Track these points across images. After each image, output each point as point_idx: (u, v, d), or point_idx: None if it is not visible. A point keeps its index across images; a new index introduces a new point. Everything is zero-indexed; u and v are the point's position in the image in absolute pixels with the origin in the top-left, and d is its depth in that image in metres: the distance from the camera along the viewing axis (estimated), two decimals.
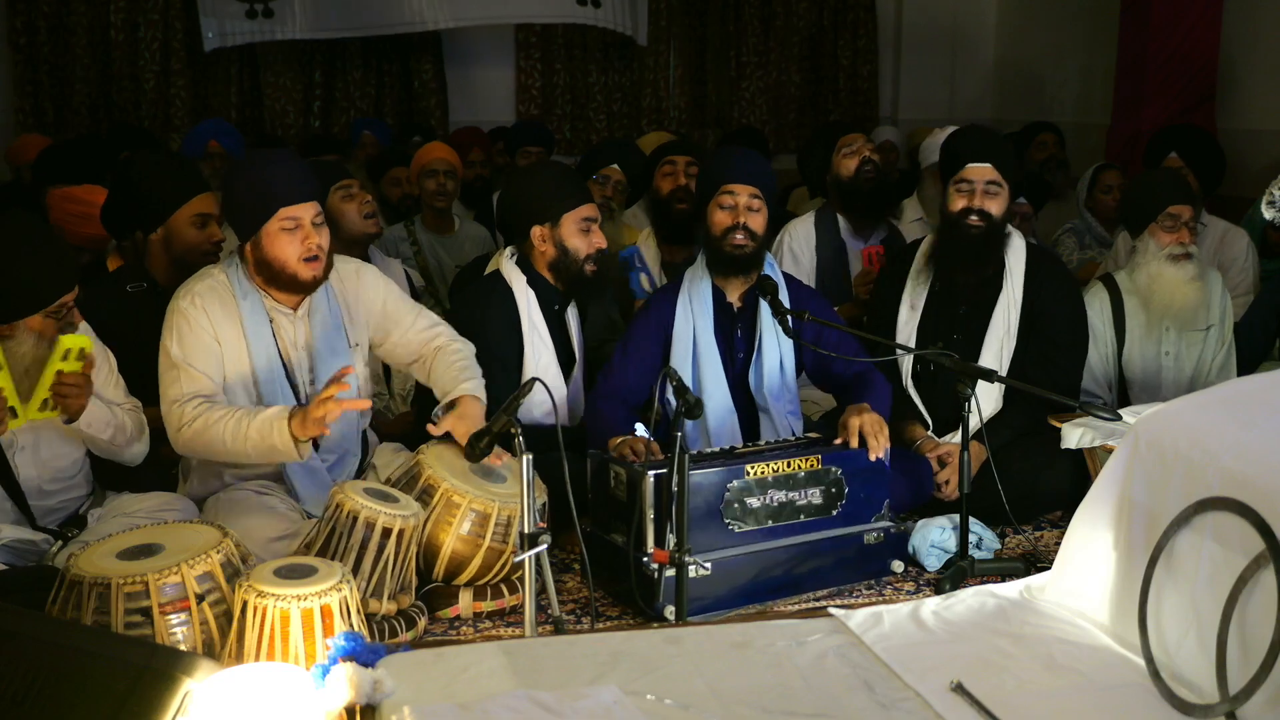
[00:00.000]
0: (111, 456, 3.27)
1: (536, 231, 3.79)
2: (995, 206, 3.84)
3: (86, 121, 7.89)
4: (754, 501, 3.20)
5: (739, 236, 3.63)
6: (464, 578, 3.15)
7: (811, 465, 3.28)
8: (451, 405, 3.29)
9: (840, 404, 3.84)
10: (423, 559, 3.12)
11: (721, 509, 3.16)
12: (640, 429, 3.34)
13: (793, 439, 3.50)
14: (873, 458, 3.33)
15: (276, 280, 3.25)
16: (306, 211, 3.22)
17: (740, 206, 3.65)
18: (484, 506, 3.10)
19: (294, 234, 3.20)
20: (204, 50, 7.73)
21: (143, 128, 7.62)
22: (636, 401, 3.67)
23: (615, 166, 5.33)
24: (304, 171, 3.30)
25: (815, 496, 3.29)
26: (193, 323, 3.20)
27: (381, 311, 3.48)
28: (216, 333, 3.21)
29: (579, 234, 3.79)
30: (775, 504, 3.24)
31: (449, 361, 3.43)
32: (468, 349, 3.51)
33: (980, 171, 3.84)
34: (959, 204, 3.86)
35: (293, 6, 7.68)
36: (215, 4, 7.61)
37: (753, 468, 3.20)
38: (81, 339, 3.01)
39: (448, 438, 3.25)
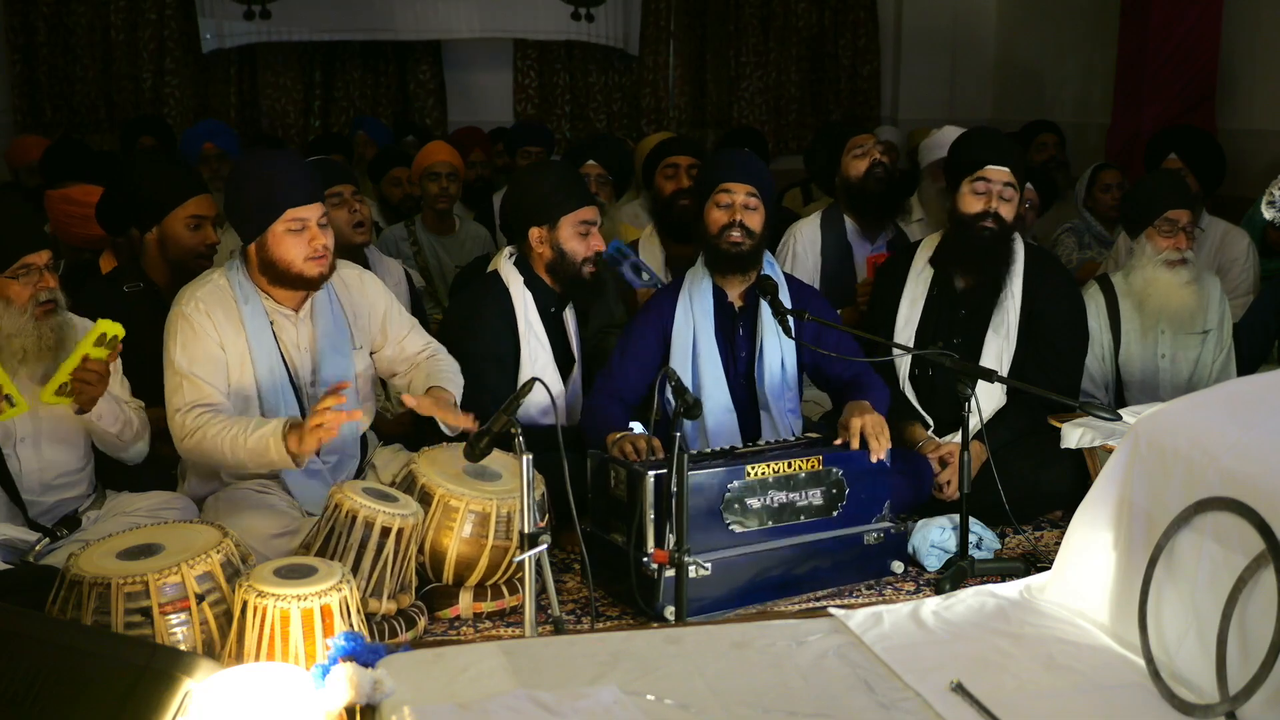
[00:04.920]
0: (115, 453, 3.26)
1: (534, 233, 3.79)
2: (1008, 210, 3.85)
3: (86, 122, 7.89)
4: (754, 502, 3.21)
5: (735, 234, 3.64)
6: (474, 579, 3.15)
7: (812, 466, 3.28)
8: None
9: (837, 405, 3.84)
10: (430, 565, 3.12)
11: (722, 509, 3.17)
12: (638, 427, 3.34)
13: (793, 439, 3.50)
14: (874, 459, 3.34)
15: (282, 279, 3.24)
16: (312, 213, 3.22)
17: (737, 205, 3.65)
18: (482, 506, 3.10)
19: (300, 235, 3.20)
20: (202, 52, 7.75)
21: (157, 116, 7.63)
22: (635, 401, 3.68)
23: (591, 162, 5.36)
24: (308, 172, 3.31)
25: (816, 497, 3.30)
26: (197, 329, 3.19)
27: (382, 319, 3.49)
28: (221, 338, 3.21)
29: (577, 237, 3.77)
30: (775, 504, 3.24)
31: (431, 368, 3.46)
32: (453, 364, 3.54)
33: (999, 174, 3.84)
34: (975, 206, 3.85)
35: (291, 8, 7.72)
36: (214, 6, 7.65)
37: (753, 468, 3.20)
38: (117, 326, 2.99)
39: (440, 440, 3.28)
